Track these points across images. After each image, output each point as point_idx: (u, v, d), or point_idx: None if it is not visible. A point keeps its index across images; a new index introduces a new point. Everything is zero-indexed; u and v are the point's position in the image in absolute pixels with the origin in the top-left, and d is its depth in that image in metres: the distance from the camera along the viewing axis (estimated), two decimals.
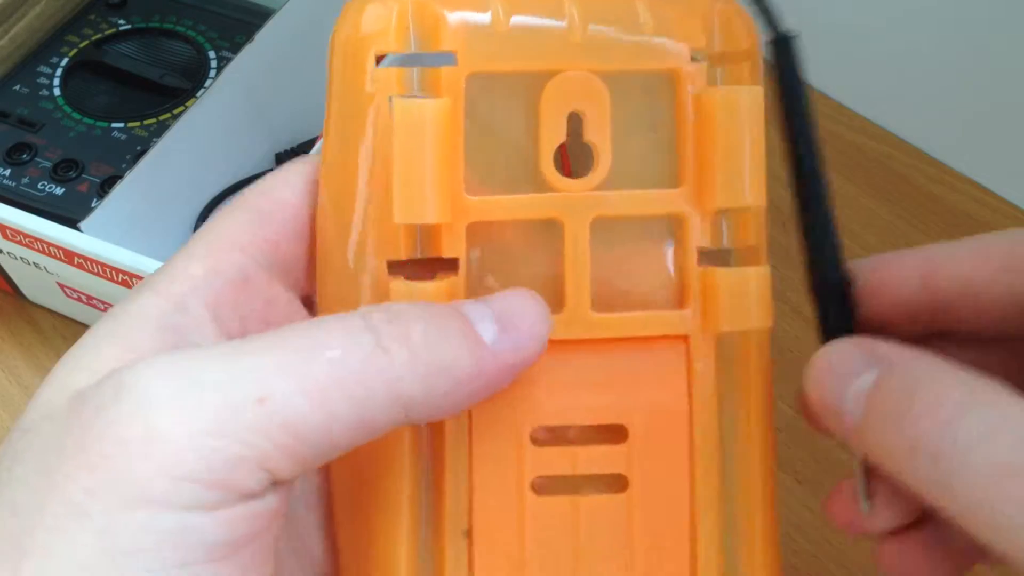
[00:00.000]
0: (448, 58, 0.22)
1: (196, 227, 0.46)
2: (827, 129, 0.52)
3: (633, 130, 0.22)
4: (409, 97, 0.21)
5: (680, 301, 0.22)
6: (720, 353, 0.22)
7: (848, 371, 0.21)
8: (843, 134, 0.51)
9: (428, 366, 0.19)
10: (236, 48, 0.47)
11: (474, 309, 0.20)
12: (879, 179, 0.50)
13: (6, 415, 0.43)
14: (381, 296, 0.22)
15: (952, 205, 0.49)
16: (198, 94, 0.48)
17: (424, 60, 0.22)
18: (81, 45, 0.50)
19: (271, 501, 0.19)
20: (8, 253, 0.41)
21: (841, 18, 0.50)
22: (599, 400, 0.22)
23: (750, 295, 0.22)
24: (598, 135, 0.22)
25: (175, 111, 0.47)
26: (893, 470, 0.19)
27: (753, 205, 0.22)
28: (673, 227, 0.22)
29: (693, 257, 0.22)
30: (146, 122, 0.47)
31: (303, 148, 0.48)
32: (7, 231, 0.40)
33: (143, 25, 0.51)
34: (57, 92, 0.48)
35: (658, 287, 0.22)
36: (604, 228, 0.22)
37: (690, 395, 0.22)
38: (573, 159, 0.22)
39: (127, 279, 0.38)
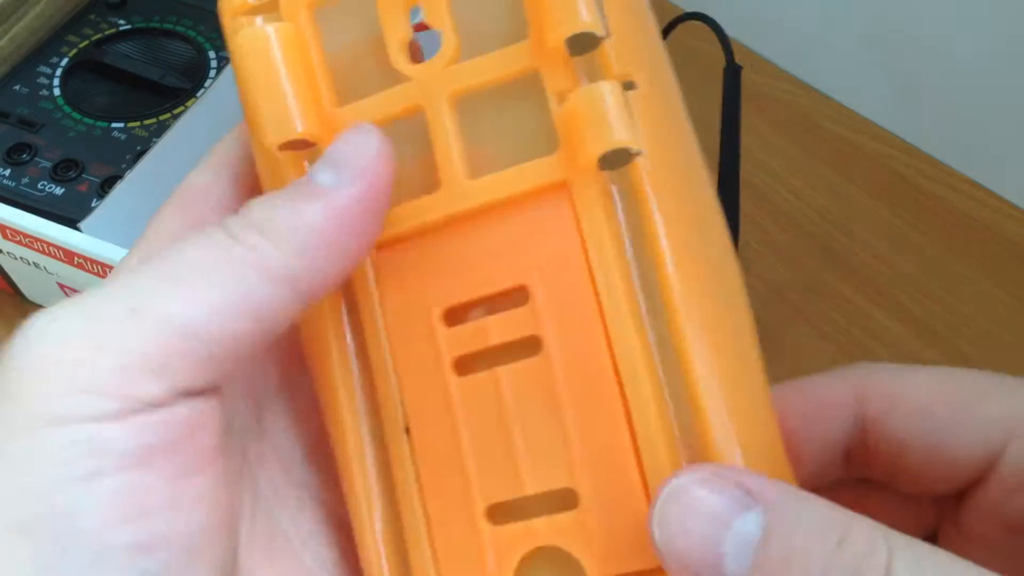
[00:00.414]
0: None
1: None
2: (827, 129, 0.52)
3: (473, 3, 0.22)
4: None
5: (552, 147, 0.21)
6: (606, 190, 0.21)
7: (726, 511, 0.17)
8: (843, 134, 0.51)
9: (278, 231, 0.20)
10: None
11: (314, 166, 0.21)
12: (879, 179, 0.50)
13: None
14: None
15: (952, 205, 0.49)
16: (198, 94, 0.48)
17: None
18: (81, 45, 0.50)
19: (185, 409, 0.19)
20: (8, 253, 0.41)
21: (842, 19, 0.50)
22: (496, 267, 0.21)
23: (607, 108, 0.20)
24: (438, 18, 0.22)
25: (175, 111, 0.47)
26: None
27: (597, 31, 0.20)
28: (533, 80, 0.21)
29: (554, 101, 0.21)
30: (146, 122, 0.47)
31: None
32: (7, 231, 0.40)
33: (143, 25, 0.51)
34: (57, 92, 0.48)
35: (534, 145, 0.21)
36: (470, 101, 0.22)
37: (581, 238, 0.21)
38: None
39: None
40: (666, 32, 0.46)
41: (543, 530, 0.20)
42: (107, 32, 0.51)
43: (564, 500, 0.20)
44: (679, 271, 0.20)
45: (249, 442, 0.23)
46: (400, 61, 0.22)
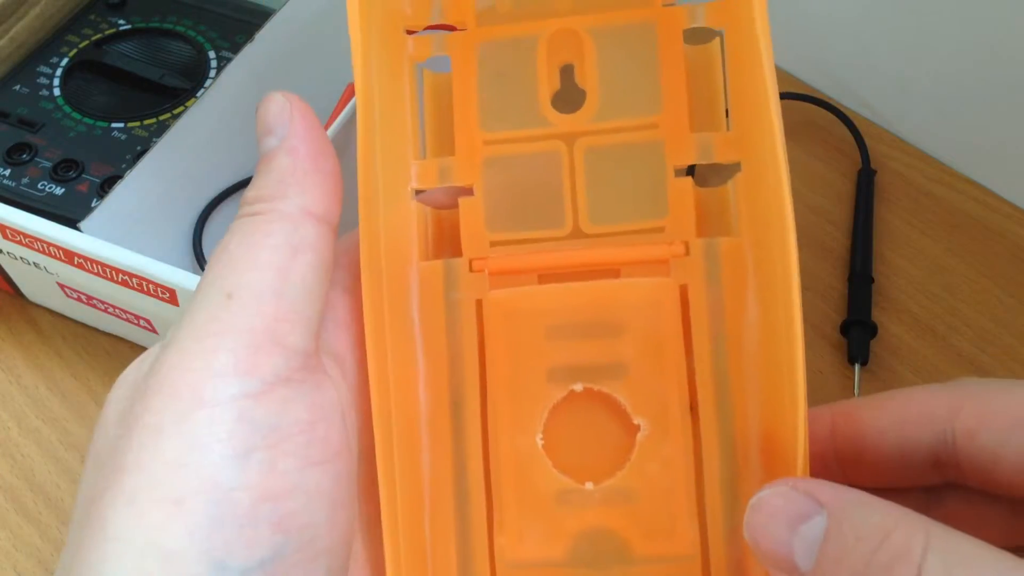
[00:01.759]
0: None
1: (196, 227, 0.46)
2: (825, 128, 0.52)
3: (619, 70, 0.26)
4: (427, 66, 0.27)
5: (665, 211, 0.26)
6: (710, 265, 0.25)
7: (794, 516, 0.20)
8: (841, 134, 0.51)
9: (274, 192, 0.23)
10: (236, 48, 0.47)
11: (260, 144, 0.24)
12: (878, 179, 0.50)
13: (6, 415, 0.43)
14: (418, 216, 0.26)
15: (952, 205, 0.49)
16: (198, 94, 0.48)
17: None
18: (81, 45, 0.50)
19: (308, 390, 0.22)
20: (8, 253, 0.41)
21: (843, 20, 0.50)
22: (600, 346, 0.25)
23: (727, 205, 0.25)
24: (587, 80, 0.26)
25: (175, 111, 0.47)
26: None
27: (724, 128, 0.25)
28: (657, 149, 0.26)
29: (671, 172, 0.25)
30: (146, 122, 0.47)
31: None
32: (7, 231, 0.40)
33: (143, 25, 0.51)
34: (57, 92, 0.48)
35: (647, 201, 0.26)
36: (600, 156, 0.26)
37: (683, 303, 0.25)
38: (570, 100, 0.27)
39: (127, 279, 0.38)
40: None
41: (600, 514, 0.25)
42: (107, 32, 0.51)
43: (622, 493, 0.25)
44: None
45: (361, 467, 0.24)
46: (547, 109, 0.26)
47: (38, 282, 0.43)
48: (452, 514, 0.25)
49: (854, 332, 0.44)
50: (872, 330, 0.44)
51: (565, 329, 0.25)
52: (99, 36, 0.50)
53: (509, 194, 0.26)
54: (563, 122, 0.26)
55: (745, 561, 0.24)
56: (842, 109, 0.51)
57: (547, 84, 0.26)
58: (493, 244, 0.26)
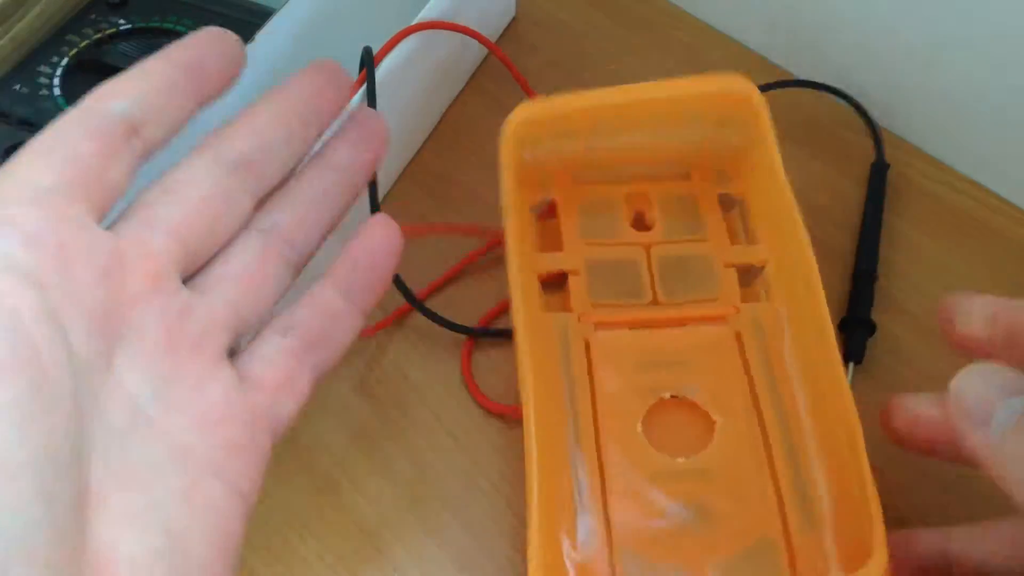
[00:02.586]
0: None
1: None
2: (823, 127, 0.52)
3: (677, 217, 0.41)
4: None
5: (719, 293, 0.39)
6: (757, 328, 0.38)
7: (1007, 388, 0.23)
8: (840, 133, 0.51)
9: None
10: None
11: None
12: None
13: None
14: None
15: (952, 205, 0.49)
16: None
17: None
18: (81, 45, 0.50)
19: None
20: None
21: (848, 22, 0.50)
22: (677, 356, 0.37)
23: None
24: (655, 222, 0.41)
25: None
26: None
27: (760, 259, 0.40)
28: (709, 255, 0.40)
29: (720, 267, 0.39)
30: None
31: None
32: None
33: (143, 25, 0.51)
34: (57, 92, 0.48)
35: (705, 285, 0.39)
36: (668, 258, 0.40)
37: (743, 359, 0.37)
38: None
39: None
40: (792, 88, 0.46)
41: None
42: (107, 32, 0.51)
43: (708, 468, 0.34)
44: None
45: (95, 376, 0.24)
46: (628, 230, 0.41)
47: None
48: (569, 484, 0.33)
49: (852, 330, 0.43)
50: (871, 328, 0.44)
51: (652, 361, 0.36)
52: (99, 36, 0.50)
53: (603, 278, 0.39)
54: (639, 237, 0.40)
55: (820, 547, 0.32)
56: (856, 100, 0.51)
57: (627, 218, 0.41)
58: (594, 306, 0.37)
